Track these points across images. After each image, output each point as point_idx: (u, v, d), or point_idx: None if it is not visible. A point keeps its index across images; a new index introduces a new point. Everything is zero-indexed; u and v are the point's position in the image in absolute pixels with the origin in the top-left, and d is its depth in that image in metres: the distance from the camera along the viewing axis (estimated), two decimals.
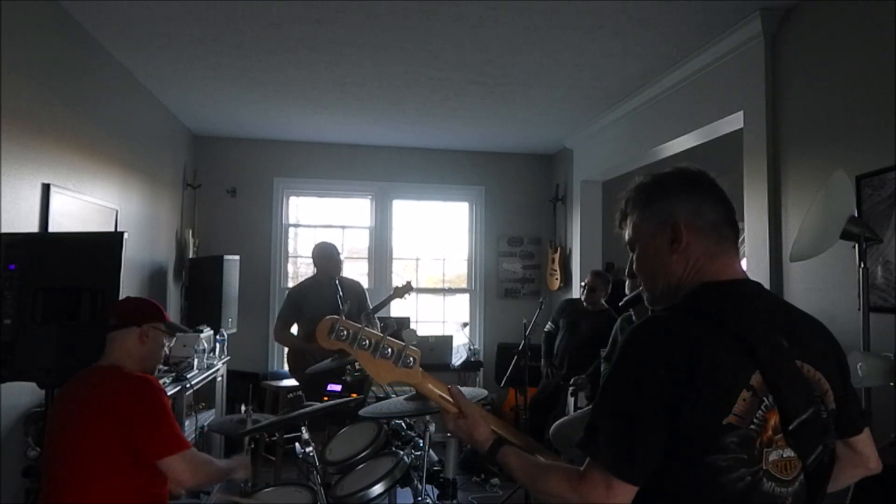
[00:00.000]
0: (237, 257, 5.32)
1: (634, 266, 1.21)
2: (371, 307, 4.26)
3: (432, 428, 2.40)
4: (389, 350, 1.21)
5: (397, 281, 4.98)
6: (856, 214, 2.36)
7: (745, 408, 0.96)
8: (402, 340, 1.25)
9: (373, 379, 1.22)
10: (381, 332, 1.25)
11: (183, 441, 1.92)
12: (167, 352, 2.21)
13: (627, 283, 3.39)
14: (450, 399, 1.27)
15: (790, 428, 0.99)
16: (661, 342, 1.00)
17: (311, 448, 2.52)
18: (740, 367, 0.98)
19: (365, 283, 5.08)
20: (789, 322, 1.10)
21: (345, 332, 1.20)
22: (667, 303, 1.15)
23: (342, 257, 4.34)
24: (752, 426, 0.97)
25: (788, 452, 1.00)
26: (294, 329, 4.24)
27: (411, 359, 1.22)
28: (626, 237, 1.22)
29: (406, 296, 4.28)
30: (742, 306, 1.06)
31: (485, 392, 2.59)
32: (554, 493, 1.05)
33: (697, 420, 0.95)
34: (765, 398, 0.98)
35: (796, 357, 1.04)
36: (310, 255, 4.34)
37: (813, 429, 1.01)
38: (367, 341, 1.21)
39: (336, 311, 3.92)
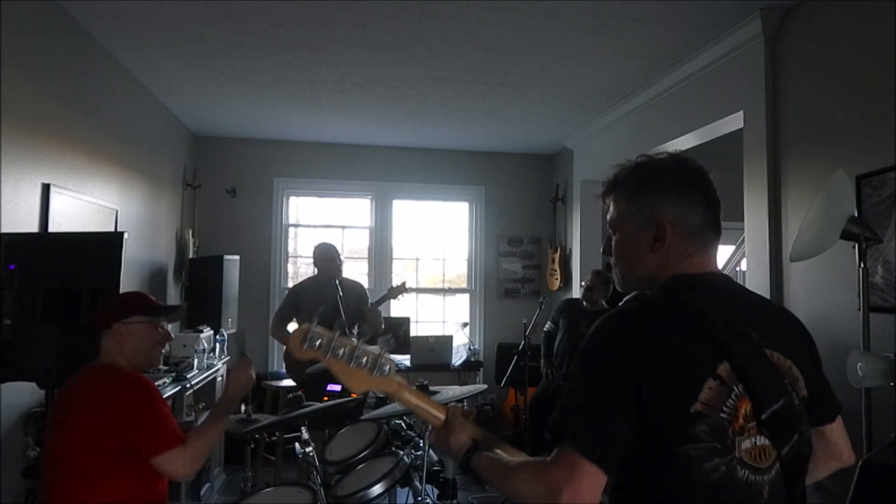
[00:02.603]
0: (237, 257, 5.32)
1: (612, 250, 1.21)
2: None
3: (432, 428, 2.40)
4: (364, 359, 1.19)
5: (397, 281, 4.99)
6: (856, 214, 2.36)
7: (713, 396, 0.97)
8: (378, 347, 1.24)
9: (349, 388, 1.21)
10: (356, 340, 1.22)
11: (175, 436, 1.89)
12: (165, 332, 2.08)
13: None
14: (428, 408, 1.25)
15: (763, 417, 0.99)
16: (626, 329, 1.01)
17: (311, 448, 2.52)
18: (705, 357, 0.99)
19: (365, 283, 5.08)
20: (758, 312, 1.11)
21: (318, 342, 1.18)
22: (635, 290, 1.17)
23: (342, 258, 4.34)
24: (722, 414, 0.97)
25: (761, 440, 1.00)
26: (294, 327, 4.25)
27: (387, 367, 1.20)
28: (609, 216, 1.21)
29: (401, 296, 4.28)
30: (709, 297, 1.07)
31: (485, 386, 2.59)
32: (523, 489, 1.04)
33: (663, 408, 0.96)
34: (734, 387, 0.98)
35: (765, 346, 1.05)
36: (310, 255, 4.36)
37: (786, 418, 1.01)
38: (342, 350, 1.18)
39: (335, 311, 3.93)
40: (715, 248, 1.15)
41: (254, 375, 2.10)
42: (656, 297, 1.09)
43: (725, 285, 1.13)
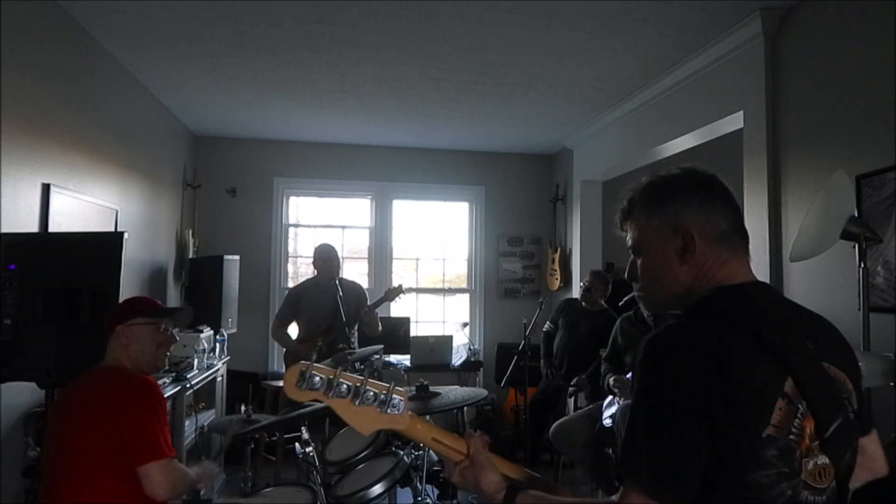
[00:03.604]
0: (237, 257, 5.32)
1: (639, 271, 1.14)
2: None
3: None
4: (372, 394, 1.07)
5: (397, 281, 5.00)
6: (856, 214, 2.36)
7: (783, 417, 0.91)
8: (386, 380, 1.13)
9: (355, 431, 1.09)
10: (362, 375, 1.13)
11: (167, 449, 1.88)
12: (170, 335, 2.10)
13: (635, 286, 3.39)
14: (446, 443, 1.14)
15: (826, 435, 0.94)
16: (687, 351, 0.93)
17: (311, 448, 2.52)
18: (773, 375, 0.92)
19: (365, 284, 5.10)
20: (809, 323, 1.06)
21: (317, 379, 1.05)
22: (669, 310, 1.11)
23: (341, 258, 4.35)
24: (791, 436, 0.91)
25: (822, 459, 0.95)
26: (295, 328, 4.26)
27: (398, 401, 1.08)
28: (630, 240, 1.15)
29: (397, 298, 4.29)
30: (761, 309, 1.01)
31: (484, 392, 2.59)
32: None
33: (737, 434, 0.89)
34: (799, 405, 0.93)
35: (822, 359, 1.00)
36: (309, 255, 4.37)
37: (845, 434, 0.97)
38: (345, 387, 1.06)
39: (334, 311, 3.93)
40: (746, 253, 1.09)
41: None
42: (707, 308, 1.02)
43: (771, 295, 1.09)
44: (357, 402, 1.06)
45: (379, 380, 1.14)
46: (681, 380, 0.91)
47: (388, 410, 1.07)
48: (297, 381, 1.05)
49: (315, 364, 1.07)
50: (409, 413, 1.11)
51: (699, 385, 0.90)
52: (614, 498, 0.94)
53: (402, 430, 1.11)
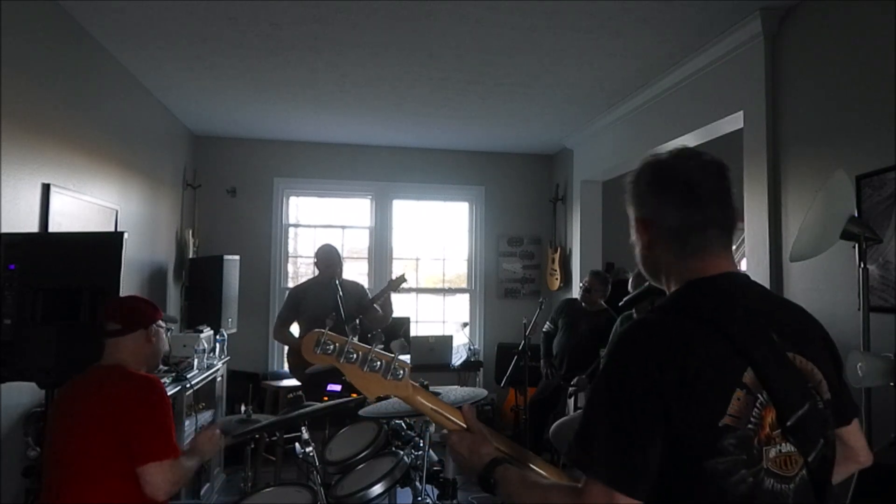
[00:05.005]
0: (237, 257, 5.32)
1: None
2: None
3: (432, 428, 2.40)
4: (378, 363, 1.16)
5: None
6: (856, 214, 2.36)
7: (740, 407, 0.94)
8: (391, 352, 1.22)
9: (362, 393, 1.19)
10: (368, 344, 1.21)
11: (169, 449, 1.89)
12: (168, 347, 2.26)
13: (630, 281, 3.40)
14: (445, 413, 1.22)
15: (789, 424, 0.96)
16: (648, 345, 0.97)
17: (311, 448, 2.52)
18: (731, 366, 0.95)
19: (365, 283, 5.09)
20: (777, 313, 1.08)
21: (331, 346, 1.16)
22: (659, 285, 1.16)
23: (343, 259, 4.36)
24: (749, 426, 0.94)
25: (787, 447, 0.97)
26: (296, 328, 4.26)
27: (401, 371, 1.17)
28: None
29: (401, 287, 4.29)
30: (728, 301, 1.04)
31: (485, 392, 2.59)
32: None
33: (692, 424, 0.92)
34: (759, 395, 0.95)
35: (788, 349, 1.02)
36: (309, 255, 4.38)
37: (812, 423, 0.99)
38: (355, 354, 1.16)
39: (334, 310, 3.93)
40: (720, 245, 1.09)
41: (222, 444, 2.18)
42: (672, 304, 1.06)
43: (742, 287, 1.09)
44: (365, 369, 1.16)
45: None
46: (638, 373, 0.95)
47: (391, 378, 1.17)
48: (313, 346, 1.16)
49: (328, 332, 1.17)
50: (412, 383, 1.19)
51: (656, 379, 0.93)
52: (580, 485, 0.97)
53: (403, 397, 1.19)
